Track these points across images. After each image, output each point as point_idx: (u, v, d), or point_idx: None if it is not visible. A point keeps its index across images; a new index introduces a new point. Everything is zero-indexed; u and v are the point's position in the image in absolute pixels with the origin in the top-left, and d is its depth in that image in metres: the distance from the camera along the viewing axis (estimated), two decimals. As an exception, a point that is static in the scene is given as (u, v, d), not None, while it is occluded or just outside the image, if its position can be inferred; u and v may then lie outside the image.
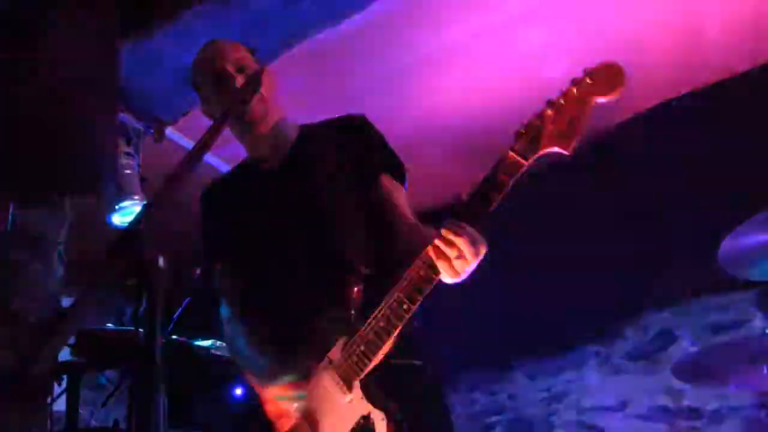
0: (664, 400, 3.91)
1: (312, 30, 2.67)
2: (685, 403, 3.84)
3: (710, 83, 3.51)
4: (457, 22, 2.82)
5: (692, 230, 3.39)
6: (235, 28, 2.55)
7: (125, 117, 3.01)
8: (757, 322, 3.60)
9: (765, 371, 2.45)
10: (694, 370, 2.83)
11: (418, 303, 1.46)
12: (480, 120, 3.47)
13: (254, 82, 1.73)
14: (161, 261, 1.02)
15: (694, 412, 3.81)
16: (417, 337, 1.74)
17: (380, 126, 1.91)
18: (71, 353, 2.62)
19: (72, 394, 2.58)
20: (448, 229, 1.41)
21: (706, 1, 2.93)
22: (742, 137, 3.37)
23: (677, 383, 3.21)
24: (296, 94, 2.51)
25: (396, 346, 1.59)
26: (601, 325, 4.13)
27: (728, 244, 2.60)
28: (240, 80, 1.80)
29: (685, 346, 3.90)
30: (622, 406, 4.04)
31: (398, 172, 1.84)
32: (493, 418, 4.41)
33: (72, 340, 2.58)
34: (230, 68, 1.82)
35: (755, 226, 2.54)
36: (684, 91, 3.59)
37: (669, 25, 3.07)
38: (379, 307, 1.51)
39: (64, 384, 2.61)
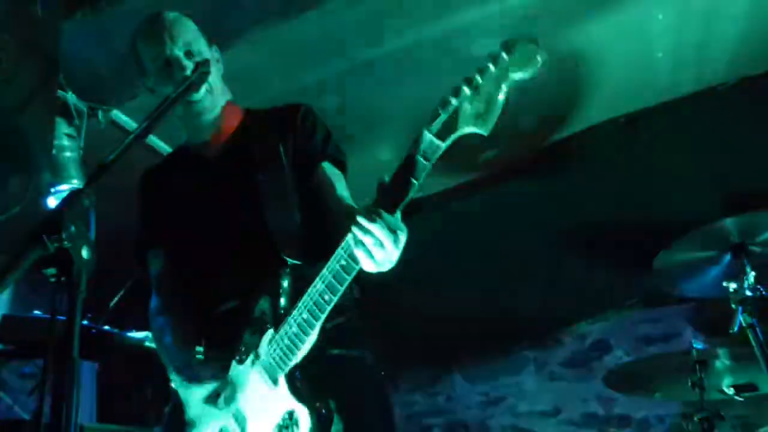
0: (595, 407, 4.03)
1: (278, 16, 2.60)
2: (616, 410, 3.97)
3: (658, 102, 3.61)
4: (414, 26, 2.82)
5: (630, 245, 3.49)
6: (197, 8, 2.44)
7: (68, 96, 2.89)
8: (687, 336, 3.75)
9: (689, 383, 2.55)
10: (624, 380, 2.92)
11: (339, 294, 1.41)
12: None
13: (203, 70, 1.69)
14: (85, 251, 0.97)
15: (623, 420, 3.94)
16: (355, 328, 1.71)
17: (330, 122, 1.89)
18: (-6, 341, 2.50)
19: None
20: (364, 215, 1.33)
21: (655, 24, 3.01)
22: (684, 154, 3.49)
23: (609, 391, 3.31)
24: (247, 79, 2.43)
25: (333, 336, 1.56)
26: (539, 331, 4.23)
27: (662, 260, 2.69)
28: (189, 67, 1.73)
29: (618, 356, 4.03)
30: (556, 411, 4.14)
31: (340, 161, 1.81)
32: (431, 420, 4.44)
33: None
34: (179, 53, 1.75)
35: (689, 244, 2.63)
36: (633, 108, 3.68)
37: (621, 44, 3.14)
38: (302, 299, 1.46)
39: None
